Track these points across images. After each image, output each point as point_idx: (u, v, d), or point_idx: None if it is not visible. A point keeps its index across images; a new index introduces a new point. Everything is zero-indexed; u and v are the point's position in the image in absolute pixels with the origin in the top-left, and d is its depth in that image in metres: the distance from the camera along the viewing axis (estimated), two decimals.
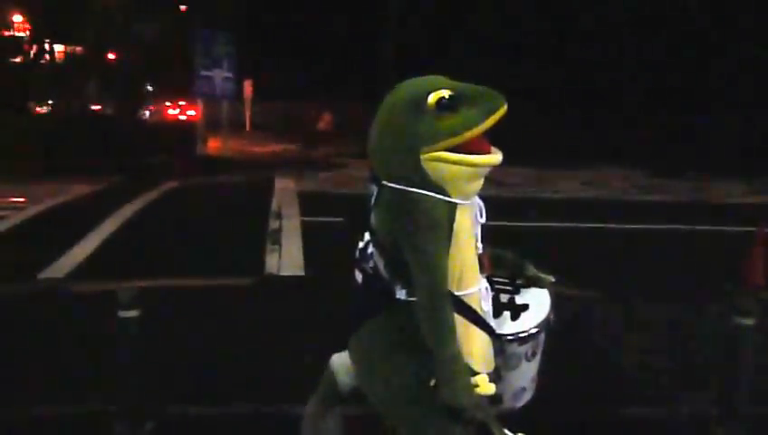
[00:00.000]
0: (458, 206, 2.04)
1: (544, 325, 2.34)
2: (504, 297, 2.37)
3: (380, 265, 2.14)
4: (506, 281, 2.43)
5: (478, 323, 2.13)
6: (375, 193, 2.13)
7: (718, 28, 21.73)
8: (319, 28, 30.13)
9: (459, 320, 2.08)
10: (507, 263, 2.41)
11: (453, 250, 2.04)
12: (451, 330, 2.01)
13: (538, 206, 11.70)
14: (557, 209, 11.70)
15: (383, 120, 2.09)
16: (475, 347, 2.12)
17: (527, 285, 2.41)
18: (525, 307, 2.34)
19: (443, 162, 2.00)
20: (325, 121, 26.29)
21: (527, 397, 2.40)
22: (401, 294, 2.12)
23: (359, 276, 2.24)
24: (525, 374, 2.35)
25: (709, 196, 14.02)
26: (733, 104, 21.32)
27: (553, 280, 2.41)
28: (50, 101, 23.59)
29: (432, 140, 1.99)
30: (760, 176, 15.94)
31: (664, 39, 22.57)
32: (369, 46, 26.90)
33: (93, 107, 23.79)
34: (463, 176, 2.03)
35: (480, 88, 2.07)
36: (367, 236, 2.19)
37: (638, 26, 22.67)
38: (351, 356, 2.31)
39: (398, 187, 2.04)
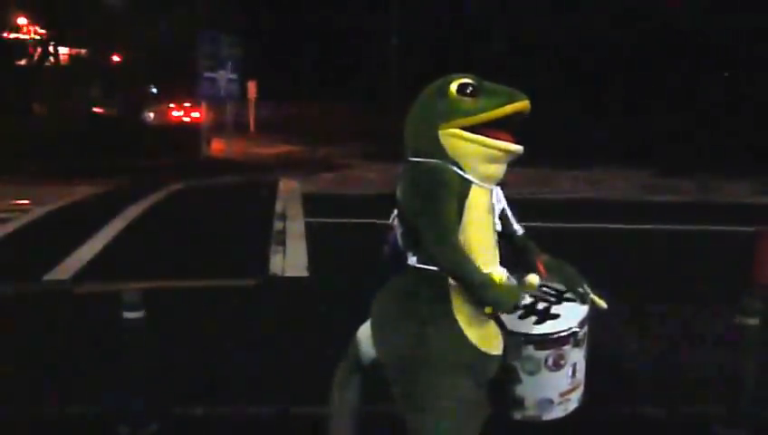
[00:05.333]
0: (473, 186, 2.21)
1: (569, 339, 2.30)
2: (541, 305, 2.38)
3: (398, 234, 2.31)
4: (555, 292, 2.43)
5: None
6: (402, 170, 2.33)
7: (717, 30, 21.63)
8: (323, 29, 30.16)
9: (464, 294, 2.19)
10: (564, 274, 2.46)
11: (465, 228, 2.19)
12: (468, 263, 2.13)
13: (540, 206, 11.68)
14: (559, 210, 11.69)
15: (415, 105, 2.34)
16: (475, 323, 2.22)
17: (573, 300, 2.41)
18: (556, 317, 2.34)
19: (458, 139, 2.20)
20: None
21: (557, 412, 2.36)
22: (412, 260, 2.26)
23: (386, 248, 2.40)
24: (550, 385, 2.32)
25: (716, 196, 13.97)
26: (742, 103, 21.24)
27: (605, 306, 2.43)
28: (45, 103, 23.36)
29: (448, 117, 2.21)
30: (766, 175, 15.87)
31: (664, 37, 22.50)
32: (373, 48, 26.92)
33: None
34: (478, 155, 2.21)
35: (505, 87, 2.26)
36: (396, 210, 2.34)
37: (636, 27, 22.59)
38: (371, 321, 2.43)
39: (418, 160, 2.26)
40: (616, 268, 6.63)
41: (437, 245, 2.13)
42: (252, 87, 26.42)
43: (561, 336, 2.29)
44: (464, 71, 2.33)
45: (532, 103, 2.23)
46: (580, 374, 2.38)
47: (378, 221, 2.40)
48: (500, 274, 2.20)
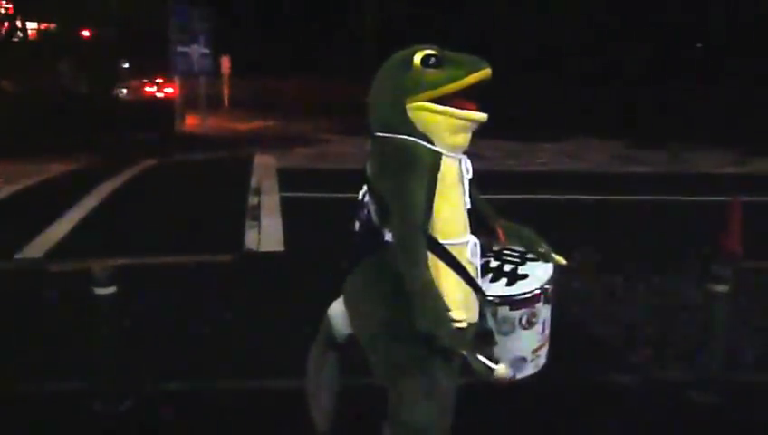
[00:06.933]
0: (443, 157, 2.21)
1: (541, 296, 2.38)
2: (507, 267, 2.45)
3: (372, 210, 2.28)
4: (517, 254, 2.49)
5: (460, 272, 2.22)
6: (370, 145, 2.30)
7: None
8: (298, 3, 29.82)
9: (440, 265, 2.20)
10: (523, 237, 2.50)
11: (438, 199, 2.19)
12: (421, 261, 2.14)
13: (517, 178, 11.72)
14: (534, 182, 11.74)
15: (378, 79, 2.32)
16: (453, 293, 2.21)
17: (536, 260, 2.47)
18: (524, 277, 2.40)
19: (426, 111, 2.20)
20: None
21: (529, 370, 2.43)
22: (389, 237, 2.24)
23: (356, 224, 2.38)
24: (523, 343, 2.39)
25: (689, 166, 14.11)
26: (713, 74, 21.39)
27: (564, 262, 2.48)
28: (14, 80, 22.79)
29: (415, 90, 2.20)
30: (739, 146, 16.04)
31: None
32: (351, 21, 26.67)
33: None
34: (446, 126, 2.20)
35: (466, 55, 2.25)
36: (365, 187, 2.33)
37: None
38: (344, 299, 2.43)
39: (387, 135, 2.24)
40: (588, 238, 6.69)
41: (403, 240, 2.15)
42: (225, 62, 26.10)
43: (535, 295, 2.37)
44: (438, 42, 2.31)
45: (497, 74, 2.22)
46: (548, 330, 2.47)
47: (355, 196, 2.39)
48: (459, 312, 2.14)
